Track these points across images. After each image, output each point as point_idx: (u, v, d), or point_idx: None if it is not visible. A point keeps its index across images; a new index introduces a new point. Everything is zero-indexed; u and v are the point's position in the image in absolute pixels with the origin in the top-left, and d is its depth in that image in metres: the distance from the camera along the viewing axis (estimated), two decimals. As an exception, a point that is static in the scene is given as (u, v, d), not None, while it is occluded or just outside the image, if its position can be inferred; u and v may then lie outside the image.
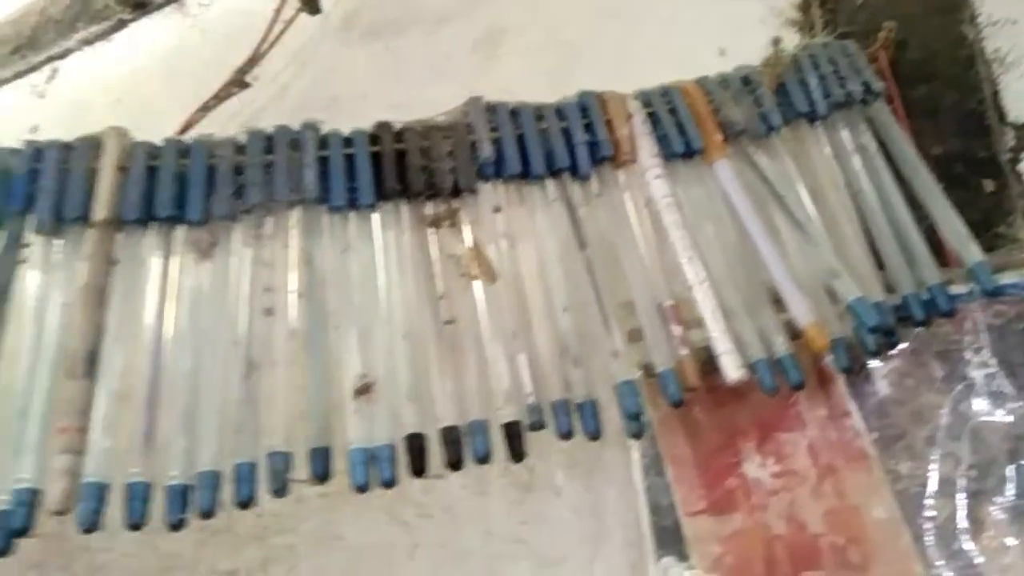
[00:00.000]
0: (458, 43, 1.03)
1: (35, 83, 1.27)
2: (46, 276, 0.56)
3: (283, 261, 0.58)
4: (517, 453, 0.55)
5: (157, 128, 1.17)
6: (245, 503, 0.51)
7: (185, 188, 0.59)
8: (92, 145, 0.59)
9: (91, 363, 0.52)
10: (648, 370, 0.62)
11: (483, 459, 0.54)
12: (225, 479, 0.52)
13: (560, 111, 0.68)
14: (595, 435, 0.58)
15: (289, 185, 0.60)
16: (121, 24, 1.24)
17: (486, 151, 0.64)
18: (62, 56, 1.27)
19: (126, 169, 0.58)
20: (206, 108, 1.04)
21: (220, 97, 1.04)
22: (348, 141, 0.63)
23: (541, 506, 0.77)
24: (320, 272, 0.59)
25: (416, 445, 0.54)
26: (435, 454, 0.56)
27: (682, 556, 0.66)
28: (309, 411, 0.54)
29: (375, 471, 0.53)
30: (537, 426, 0.57)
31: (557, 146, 0.66)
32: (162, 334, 0.55)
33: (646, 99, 0.70)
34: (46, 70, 1.27)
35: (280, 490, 0.52)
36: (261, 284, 0.57)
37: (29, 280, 0.55)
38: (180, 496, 0.51)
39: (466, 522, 0.79)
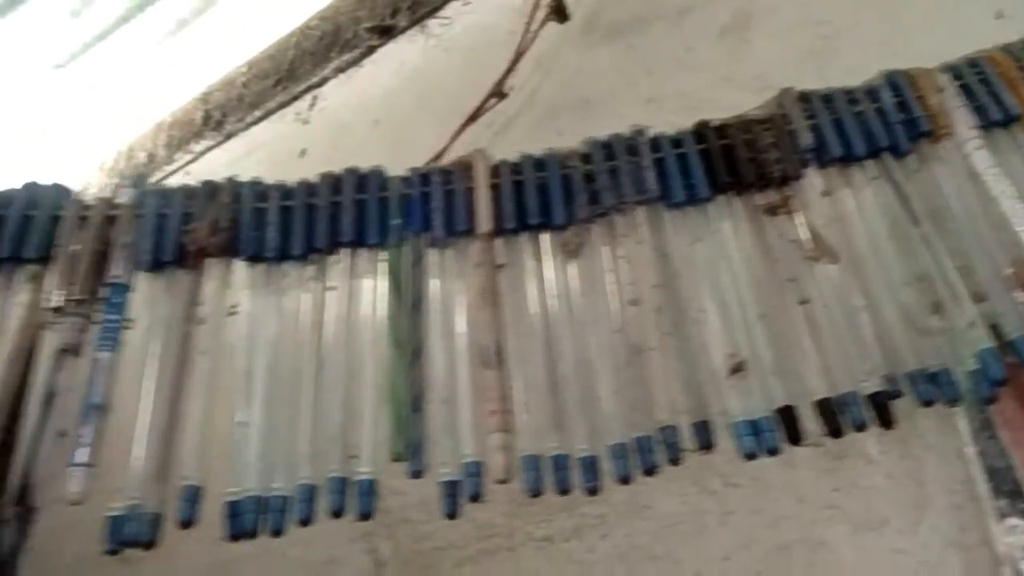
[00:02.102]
0: (703, 33, 1.07)
1: (298, 111, 1.42)
2: (444, 283, 0.65)
3: (639, 256, 0.65)
4: (887, 421, 0.59)
5: (414, 143, 1.29)
6: (650, 471, 0.58)
7: (547, 197, 0.66)
8: (464, 167, 0.68)
9: (500, 355, 0.61)
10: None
11: (860, 427, 0.58)
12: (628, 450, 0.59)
13: (872, 92, 0.70)
14: (955, 401, 0.60)
15: (634, 187, 0.66)
16: (370, 50, 1.37)
17: (807, 139, 0.68)
18: (320, 84, 1.41)
19: (497, 185, 0.67)
20: (472, 119, 1.13)
21: (483, 109, 1.13)
22: (677, 142, 0.69)
23: (853, 474, 0.80)
24: (673, 263, 0.65)
25: (789, 416, 0.59)
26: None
27: (1025, 517, 0.68)
28: (686, 389, 0.60)
29: (758, 441, 0.58)
30: (895, 395, 0.60)
31: (875, 126, 0.68)
32: (549, 326, 0.63)
33: (955, 71, 0.71)
34: (307, 98, 1.42)
35: (675, 460, 0.58)
36: (624, 278, 0.64)
37: (432, 288, 0.65)
38: (591, 466, 0.59)
39: (776, 490, 0.83)
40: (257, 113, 1.45)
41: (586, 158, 0.69)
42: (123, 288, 0.63)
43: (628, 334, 0.62)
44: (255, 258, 0.65)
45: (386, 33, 1.34)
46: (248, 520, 0.56)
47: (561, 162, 0.68)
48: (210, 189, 0.67)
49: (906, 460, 0.78)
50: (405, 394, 0.60)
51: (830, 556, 0.79)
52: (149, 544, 0.55)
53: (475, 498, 0.57)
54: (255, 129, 1.46)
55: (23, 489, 0.55)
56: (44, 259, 0.64)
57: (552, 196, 0.67)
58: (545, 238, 0.66)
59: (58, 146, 1.64)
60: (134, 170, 1.59)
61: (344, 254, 0.66)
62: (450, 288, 0.65)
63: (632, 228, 0.66)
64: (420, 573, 1.02)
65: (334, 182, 0.67)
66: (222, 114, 1.49)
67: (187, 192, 0.67)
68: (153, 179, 1.56)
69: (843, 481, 0.80)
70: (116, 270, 0.63)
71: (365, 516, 0.58)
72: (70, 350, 0.60)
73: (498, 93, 1.12)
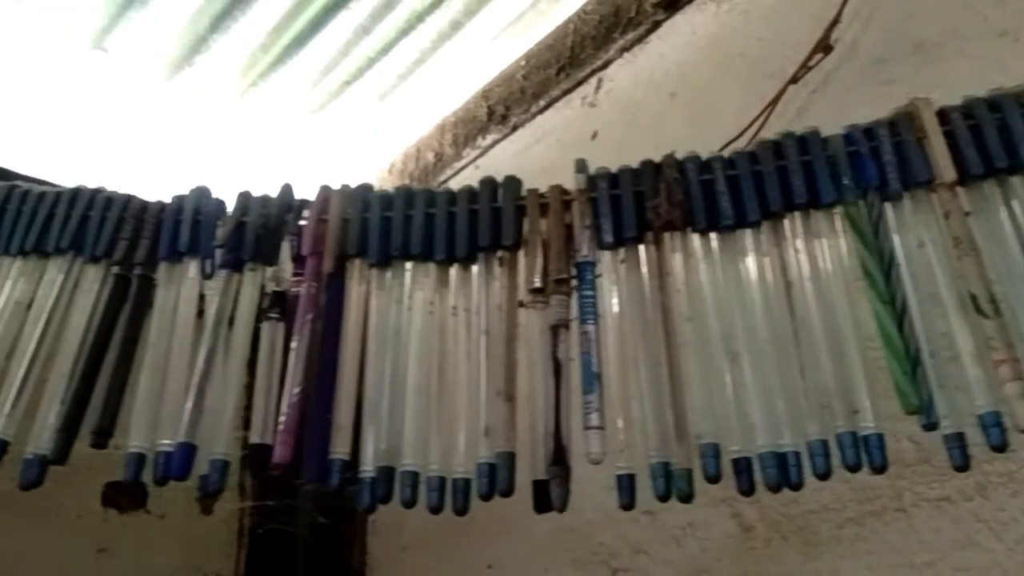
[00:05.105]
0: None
1: (585, 95, 1.46)
2: (904, 237, 0.64)
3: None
4: None
5: (716, 113, 1.28)
6: None
7: (1011, 138, 0.64)
8: (908, 116, 0.66)
9: (995, 302, 0.59)
10: None
11: None
12: None
13: None
14: None
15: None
16: (655, 25, 1.37)
17: None
18: (604, 67, 1.44)
19: (951, 132, 0.65)
20: (795, 79, 1.11)
21: (807, 65, 1.11)
22: None
23: None
24: None
25: None
26: None
27: None
28: None
29: None
30: None
31: None
32: (1037, 272, 0.61)
33: None
34: (592, 82, 1.45)
35: None
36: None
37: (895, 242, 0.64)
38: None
39: None
40: (541, 103, 1.51)
41: (1043, 94, 0.65)
42: (591, 266, 0.68)
43: None
44: (710, 227, 0.67)
45: (673, 6, 1.34)
46: (771, 475, 0.59)
47: (1018, 99, 0.65)
48: (653, 167, 0.70)
49: None
50: (903, 350, 0.59)
51: None
52: (688, 497, 0.59)
53: (1000, 448, 0.56)
54: (540, 118, 1.52)
55: (559, 450, 0.60)
56: (511, 246, 0.70)
57: (1017, 137, 0.64)
58: (1015, 180, 0.64)
59: (347, 153, 1.79)
60: (423, 170, 1.71)
61: (793, 217, 0.67)
62: (913, 240, 0.64)
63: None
64: (795, 535, 1.02)
65: (775, 147, 0.68)
66: (505, 108, 1.56)
67: (631, 172, 0.70)
68: (443, 176, 1.67)
69: None
70: (583, 250, 0.68)
71: (880, 470, 0.58)
72: (562, 325, 0.65)
73: (824, 47, 1.09)
